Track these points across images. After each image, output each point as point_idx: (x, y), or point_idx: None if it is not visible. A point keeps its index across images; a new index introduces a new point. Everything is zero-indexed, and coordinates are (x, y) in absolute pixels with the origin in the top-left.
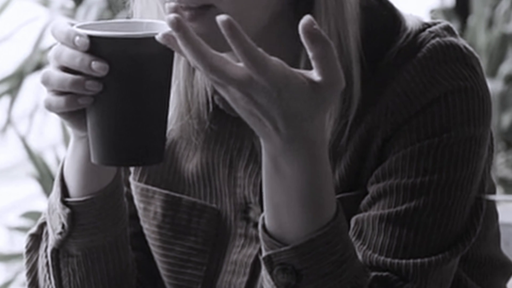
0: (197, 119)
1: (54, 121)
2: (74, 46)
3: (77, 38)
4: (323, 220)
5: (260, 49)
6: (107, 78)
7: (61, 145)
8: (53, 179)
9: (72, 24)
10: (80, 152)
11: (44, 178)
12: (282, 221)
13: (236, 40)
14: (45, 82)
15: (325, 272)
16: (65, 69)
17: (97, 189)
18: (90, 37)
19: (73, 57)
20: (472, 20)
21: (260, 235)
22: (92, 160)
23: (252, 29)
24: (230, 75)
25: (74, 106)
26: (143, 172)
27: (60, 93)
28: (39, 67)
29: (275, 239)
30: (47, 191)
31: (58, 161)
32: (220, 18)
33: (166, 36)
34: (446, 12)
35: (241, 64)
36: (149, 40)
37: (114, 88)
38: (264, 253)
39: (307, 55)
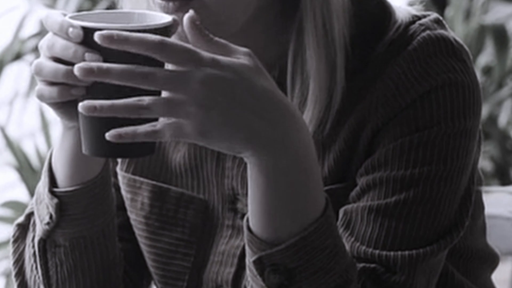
0: None
1: (33, 109)
2: (67, 37)
3: (71, 29)
4: (313, 216)
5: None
6: None
7: (40, 134)
8: (31, 168)
9: (65, 15)
10: (69, 142)
11: (23, 166)
12: (273, 224)
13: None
14: (38, 72)
15: (317, 268)
16: (57, 60)
17: (85, 179)
18: (84, 28)
19: (66, 48)
20: (449, 11)
21: (246, 237)
22: (84, 151)
23: (237, 21)
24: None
25: (67, 96)
26: (130, 163)
27: (52, 83)
28: (18, 56)
29: (264, 241)
30: (25, 180)
31: (37, 150)
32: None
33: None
34: (424, 3)
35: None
36: (141, 31)
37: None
38: (253, 256)
39: (294, 47)
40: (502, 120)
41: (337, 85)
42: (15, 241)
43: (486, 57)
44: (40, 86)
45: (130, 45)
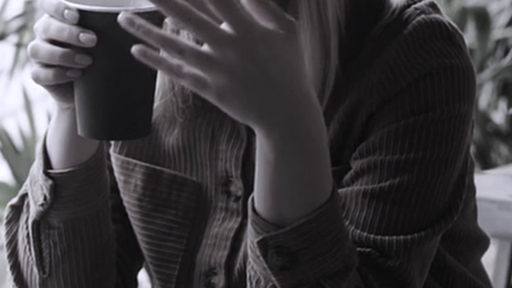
0: (181, 96)
1: (16, 89)
2: (63, 19)
3: (66, 11)
4: (320, 201)
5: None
6: (96, 52)
7: (22, 113)
8: (14, 148)
9: None
10: (64, 124)
11: (5, 146)
12: (278, 205)
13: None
14: (34, 54)
15: (320, 252)
16: (53, 42)
17: (80, 161)
18: (79, 11)
19: (62, 29)
20: None
21: (250, 218)
22: (79, 132)
23: None
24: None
25: (63, 79)
26: (124, 145)
27: (48, 65)
28: (2, 37)
29: (269, 222)
30: (8, 160)
31: (20, 130)
32: None
33: (128, 20)
34: None
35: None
36: (138, 14)
37: (103, 61)
38: (257, 237)
39: None
40: (483, 103)
41: (331, 67)
42: (8, 223)
43: (468, 39)
44: (35, 68)
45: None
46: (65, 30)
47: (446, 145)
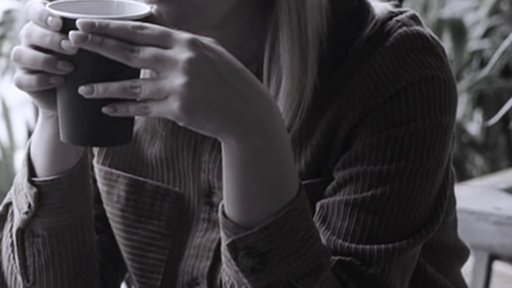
0: None
1: None
2: (46, 26)
3: (50, 18)
4: (286, 200)
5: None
6: (78, 59)
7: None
8: None
9: (45, 3)
10: (48, 132)
11: None
12: (247, 207)
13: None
14: (17, 59)
15: (289, 252)
16: (37, 48)
17: (64, 168)
18: (63, 18)
19: (44, 35)
20: (407, 5)
21: (221, 222)
22: (61, 138)
23: (219, 14)
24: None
25: (45, 85)
26: (107, 155)
27: (31, 71)
28: None
29: (238, 225)
30: None
31: None
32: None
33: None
34: None
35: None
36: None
37: (85, 69)
38: (227, 240)
39: (270, 42)
40: (458, 114)
41: (308, 80)
42: None
43: None
44: (18, 74)
45: (110, 32)
46: (47, 36)
47: (427, 156)
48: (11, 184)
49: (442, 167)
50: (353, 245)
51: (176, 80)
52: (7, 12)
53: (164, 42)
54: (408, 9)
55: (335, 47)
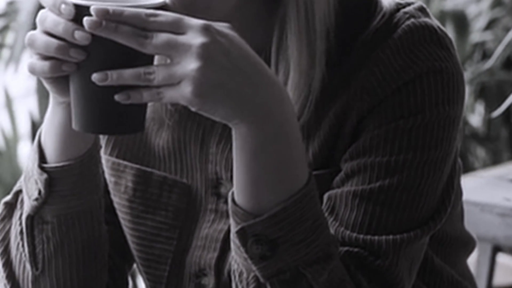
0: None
1: None
2: (59, 13)
3: (63, 6)
4: (296, 187)
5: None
6: (91, 46)
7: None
8: None
9: None
10: (59, 118)
11: None
12: (257, 194)
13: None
14: (31, 44)
15: (299, 240)
16: (51, 34)
17: (75, 155)
18: (76, 6)
19: (57, 23)
20: None
21: (230, 209)
22: (73, 126)
23: (228, 5)
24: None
25: (58, 71)
26: (114, 146)
27: (44, 57)
28: None
29: (247, 212)
30: None
31: (1, 130)
32: None
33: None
34: None
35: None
36: None
37: (98, 57)
38: (236, 227)
39: (278, 34)
40: None
41: (316, 72)
42: (1, 220)
43: None
44: (32, 59)
45: (124, 19)
46: (60, 24)
47: (435, 147)
48: (14, 175)
49: (450, 158)
50: (361, 236)
51: (189, 65)
52: (10, 3)
53: (177, 28)
54: (416, 0)
55: (343, 39)
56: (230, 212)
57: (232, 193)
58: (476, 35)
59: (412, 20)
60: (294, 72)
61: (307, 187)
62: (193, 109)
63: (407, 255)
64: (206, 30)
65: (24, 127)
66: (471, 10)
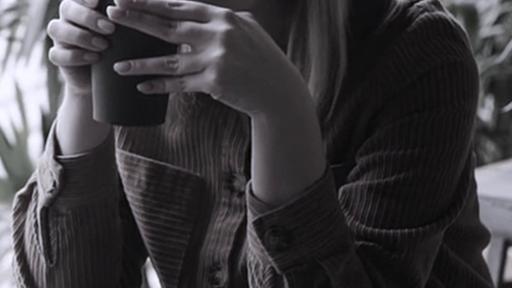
0: (184, 95)
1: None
2: (83, 2)
3: None
4: (314, 178)
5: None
6: (113, 36)
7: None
8: (6, 142)
9: None
10: (75, 110)
11: None
12: (275, 185)
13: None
14: (53, 32)
15: (315, 231)
16: (73, 23)
17: (90, 147)
18: None
19: (80, 12)
20: None
21: (248, 200)
22: (94, 117)
23: (243, 5)
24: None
25: (79, 61)
26: (128, 140)
27: (66, 46)
28: None
29: (265, 203)
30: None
31: (12, 123)
32: None
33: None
34: None
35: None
36: None
37: (120, 47)
38: (253, 217)
39: (295, 31)
40: None
41: (340, 68)
42: (16, 213)
43: None
44: (54, 48)
45: (147, 8)
46: (83, 13)
47: (450, 141)
48: (25, 168)
49: (465, 152)
50: (376, 230)
51: (213, 52)
52: (20, 8)
53: (201, 16)
54: None
55: (357, 33)
56: (247, 203)
57: (250, 184)
58: (486, 29)
59: (426, 13)
60: (316, 73)
61: (324, 178)
62: (215, 97)
63: (422, 249)
64: (230, 18)
65: (34, 121)
66: (481, 4)
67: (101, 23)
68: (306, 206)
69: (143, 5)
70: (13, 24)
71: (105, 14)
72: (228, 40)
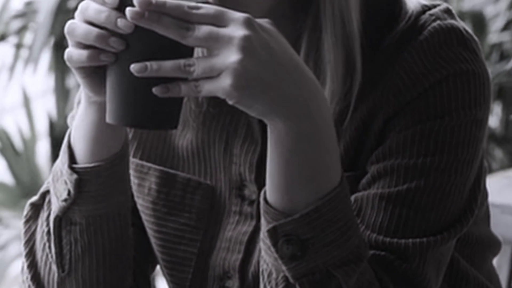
0: (195, 101)
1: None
2: (103, 3)
3: None
4: (329, 187)
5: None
6: (131, 37)
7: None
8: (14, 149)
9: None
10: (91, 118)
11: (5, 147)
12: (290, 192)
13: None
14: (70, 33)
15: (330, 240)
16: (91, 24)
17: (104, 156)
18: None
19: (100, 11)
20: None
21: (262, 208)
22: (107, 119)
23: (259, 6)
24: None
25: (96, 61)
26: (138, 148)
27: (83, 46)
28: (2, 38)
29: (279, 211)
30: (7, 160)
31: (19, 130)
32: None
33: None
34: None
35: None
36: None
37: (138, 47)
38: (267, 226)
39: (308, 39)
40: None
41: (355, 79)
42: (27, 221)
43: None
44: (70, 48)
45: (166, 10)
46: (103, 12)
47: (462, 150)
48: (32, 175)
49: (477, 161)
50: (388, 239)
51: (230, 57)
52: (29, 3)
53: (219, 20)
54: (441, 2)
55: (369, 42)
56: (261, 211)
57: (264, 192)
58: (494, 35)
59: (438, 22)
60: (331, 79)
61: (340, 187)
62: (230, 102)
63: (434, 258)
64: (248, 23)
65: (42, 127)
66: (489, 11)
67: (120, 22)
68: (321, 215)
69: (162, 7)
70: (21, 30)
71: (124, 14)
72: (246, 45)
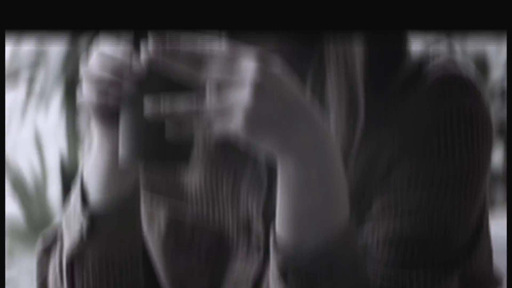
0: (202, 137)
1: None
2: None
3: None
4: (338, 225)
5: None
6: (144, 78)
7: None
8: (25, 191)
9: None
10: (104, 158)
11: (17, 188)
12: (299, 228)
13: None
14: (86, 78)
15: (338, 278)
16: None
17: (118, 194)
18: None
19: (113, 59)
20: None
21: (271, 242)
22: (121, 157)
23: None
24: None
25: (110, 100)
26: (147, 183)
27: (98, 89)
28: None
29: (290, 247)
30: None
31: (32, 171)
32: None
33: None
34: None
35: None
36: None
37: (150, 88)
38: (276, 260)
39: (313, 75)
40: None
41: (358, 121)
42: (39, 262)
43: None
44: (85, 90)
45: (180, 56)
46: (117, 60)
47: (465, 185)
48: (44, 218)
49: (480, 195)
50: (391, 270)
51: (242, 96)
52: (39, 54)
53: (231, 68)
54: (445, 53)
55: (371, 90)
56: (270, 245)
57: (273, 227)
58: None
59: (441, 72)
60: (335, 120)
61: (349, 224)
62: (241, 139)
63: None
64: (261, 68)
65: (54, 168)
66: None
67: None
68: (329, 252)
69: (176, 54)
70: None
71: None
72: (258, 86)
